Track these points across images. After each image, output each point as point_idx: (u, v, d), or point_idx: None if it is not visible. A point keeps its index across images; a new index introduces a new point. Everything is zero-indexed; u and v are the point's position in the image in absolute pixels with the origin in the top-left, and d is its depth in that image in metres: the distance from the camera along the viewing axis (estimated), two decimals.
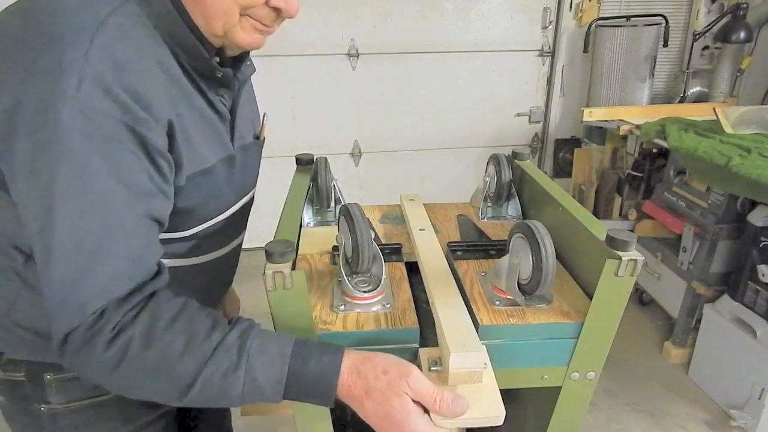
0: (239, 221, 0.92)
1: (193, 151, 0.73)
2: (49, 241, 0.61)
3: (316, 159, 1.08)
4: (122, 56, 0.63)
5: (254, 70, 0.89)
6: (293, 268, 0.67)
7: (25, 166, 0.61)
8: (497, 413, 0.64)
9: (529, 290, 0.74)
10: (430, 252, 0.88)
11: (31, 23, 0.63)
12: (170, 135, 0.69)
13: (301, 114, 3.17)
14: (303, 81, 3.10)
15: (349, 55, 3.08)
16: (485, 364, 0.65)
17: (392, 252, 0.91)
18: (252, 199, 0.96)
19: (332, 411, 0.82)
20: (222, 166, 0.80)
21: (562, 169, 3.40)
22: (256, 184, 0.96)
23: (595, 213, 2.88)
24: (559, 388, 0.80)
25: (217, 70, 0.75)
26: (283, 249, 0.66)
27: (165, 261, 0.77)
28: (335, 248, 0.86)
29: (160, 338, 0.63)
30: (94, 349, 0.62)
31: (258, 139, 0.94)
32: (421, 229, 0.96)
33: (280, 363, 0.63)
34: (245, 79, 0.86)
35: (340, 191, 1.05)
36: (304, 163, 1.11)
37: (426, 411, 0.63)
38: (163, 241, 0.74)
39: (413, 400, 0.62)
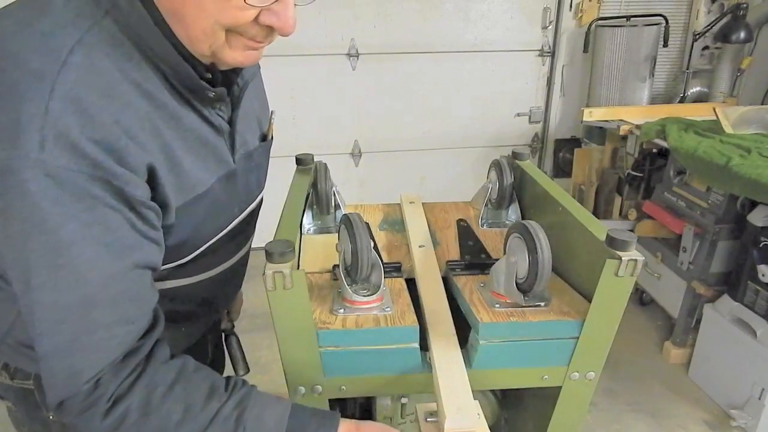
0: (245, 229, 0.88)
1: (185, 179, 0.68)
2: (31, 313, 0.59)
3: (316, 165, 1.08)
4: (89, 102, 0.56)
5: (258, 67, 0.83)
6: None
7: None
8: None
9: (526, 287, 0.74)
10: (430, 288, 0.86)
11: None
12: (152, 179, 0.63)
13: (301, 114, 3.17)
14: (303, 81, 3.09)
15: (349, 55, 3.08)
16: (478, 415, 0.66)
17: (392, 270, 0.91)
18: (260, 204, 0.91)
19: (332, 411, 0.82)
20: (221, 185, 0.75)
21: (562, 169, 3.40)
22: (263, 188, 0.91)
23: (595, 213, 2.87)
24: (559, 388, 0.80)
25: (208, 91, 0.67)
26: (283, 249, 0.66)
27: (168, 283, 0.76)
28: (335, 267, 0.86)
29: (157, 409, 0.62)
30: (91, 420, 0.61)
31: (265, 140, 0.88)
32: (420, 246, 0.96)
33: None
34: (247, 82, 0.78)
35: (340, 197, 1.05)
36: (304, 163, 1.10)
37: None
38: (162, 270, 0.72)
39: None
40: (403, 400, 0.88)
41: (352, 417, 0.97)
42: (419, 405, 0.73)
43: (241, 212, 0.83)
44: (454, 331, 0.77)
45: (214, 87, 0.69)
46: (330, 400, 0.78)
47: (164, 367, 0.65)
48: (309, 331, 0.70)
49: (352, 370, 0.76)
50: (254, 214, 0.90)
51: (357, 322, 0.74)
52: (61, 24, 0.57)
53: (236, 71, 0.75)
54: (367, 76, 3.14)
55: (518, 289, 0.75)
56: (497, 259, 0.79)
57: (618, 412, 2.10)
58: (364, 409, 0.98)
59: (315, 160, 1.11)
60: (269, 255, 0.66)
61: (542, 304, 0.77)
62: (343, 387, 0.77)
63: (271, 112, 0.92)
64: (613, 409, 2.12)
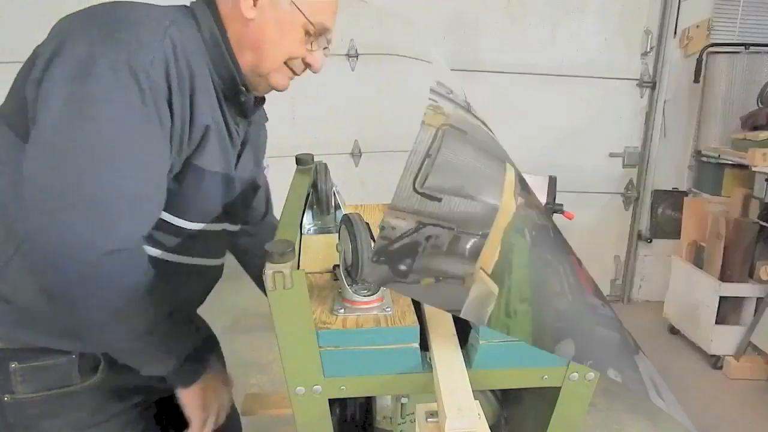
0: (221, 244, 1.00)
1: (203, 149, 0.83)
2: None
3: (316, 165, 1.08)
4: (185, 53, 0.78)
5: (266, 119, 1.06)
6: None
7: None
8: None
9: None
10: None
11: (111, 15, 0.76)
12: (203, 140, 0.83)
13: (301, 114, 3.17)
14: (303, 81, 3.07)
15: (348, 55, 3.08)
16: (479, 415, 0.65)
17: None
18: (234, 234, 1.03)
19: (332, 410, 0.82)
20: (221, 179, 0.89)
21: (662, 229, 2.87)
22: (245, 221, 1.07)
23: (726, 274, 2.21)
24: (559, 388, 0.80)
25: (242, 94, 0.89)
26: (283, 249, 0.66)
27: (157, 251, 0.85)
28: (336, 267, 0.86)
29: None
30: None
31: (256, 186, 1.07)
32: None
33: None
34: (256, 122, 1.00)
35: (340, 198, 1.05)
36: (304, 163, 1.11)
37: None
38: (159, 225, 0.83)
39: None
40: (403, 400, 0.88)
41: (352, 417, 0.97)
42: (419, 405, 0.73)
43: (222, 223, 0.96)
44: (454, 332, 0.77)
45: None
46: (330, 400, 0.78)
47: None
48: (309, 331, 0.70)
49: (352, 370, 0.76)
50: (230, 239, 1.03)
51: (357, 323, 0.74)
52: (157, 13, 0.80)
53: (257, 104, 0.98)
54: (366, 77, 3.14)
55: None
56: None
57: (617, 413, 2.11)
58: (364, 409, 0.98)
59: (315, 160, 1.11)
60: (269, 255, 0.66)
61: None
62: (343, 387, 0.77)
63: (266, 166, 1.11)
64: (612, 410, 2.12)
